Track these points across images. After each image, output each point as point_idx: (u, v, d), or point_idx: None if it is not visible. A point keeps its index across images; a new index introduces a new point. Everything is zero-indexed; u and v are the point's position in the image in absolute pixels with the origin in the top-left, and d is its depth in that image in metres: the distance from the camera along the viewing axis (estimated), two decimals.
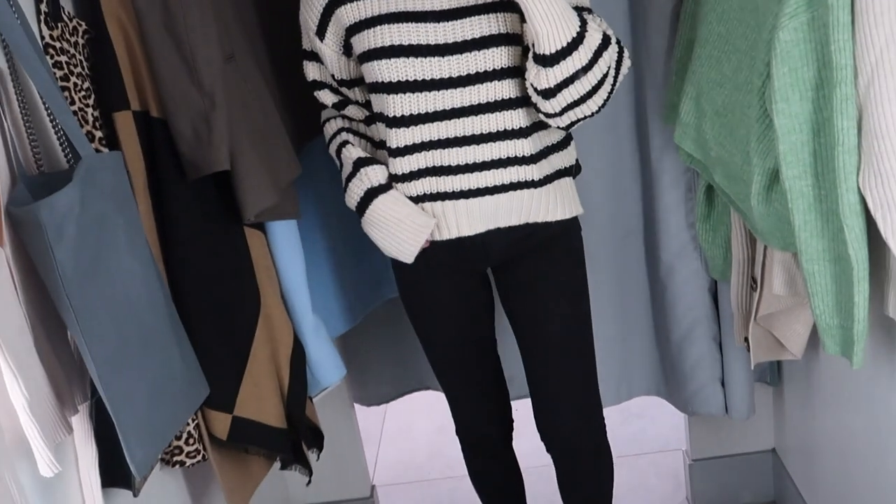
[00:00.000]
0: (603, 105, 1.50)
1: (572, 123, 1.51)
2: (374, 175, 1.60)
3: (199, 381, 1.42)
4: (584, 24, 1.42)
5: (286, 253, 1.69)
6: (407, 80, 1.52)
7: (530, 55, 1.45)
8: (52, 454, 1.08)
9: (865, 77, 1.19)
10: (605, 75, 1.46)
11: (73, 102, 1.35)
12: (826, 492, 1.94)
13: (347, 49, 1.60)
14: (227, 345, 1.57)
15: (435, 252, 1.64)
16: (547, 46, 1.40)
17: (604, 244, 2.07)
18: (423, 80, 1.51)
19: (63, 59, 1.35)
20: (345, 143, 1.65)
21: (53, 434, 1.09)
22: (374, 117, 1.66)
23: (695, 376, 2.11)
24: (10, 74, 1.19)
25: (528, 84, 1.48)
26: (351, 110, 1.70)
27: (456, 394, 1.88)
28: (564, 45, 1.40)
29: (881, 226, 1.21)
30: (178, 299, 1.47)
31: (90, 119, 1.39)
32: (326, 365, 1.78)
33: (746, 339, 1.82)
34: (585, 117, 1.50)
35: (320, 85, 1.68)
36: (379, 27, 1.52)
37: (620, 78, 1.51)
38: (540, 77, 1.44)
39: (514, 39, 1.51)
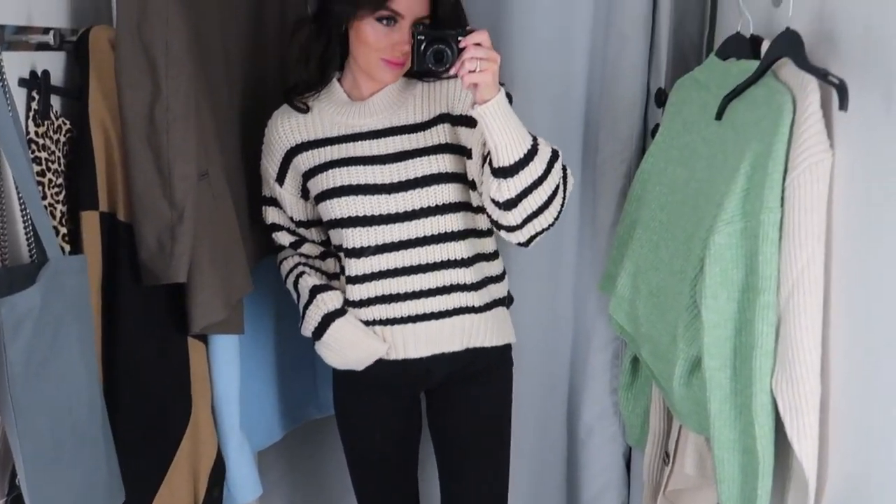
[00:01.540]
0: (557, 217, 1.61)
1: (531, 238, 1.61)
2: (329, 301, 1.71)
3: (117, 488, 1.41)
4: (535, 138, 1.55)
5: (224, 367, 1.71)
6: (358, 216, 1.66)
7: (487, 172, 1.56)
8: None
9: (787, 289, 1.30)
10: (557, 186, 1.58)
11: (44, 197, 1.39)
12: None
13: (305, 193, 1.75)
14: (151, 451, 1.57)
15: (379, 371, 1.73)
16: (506, 158, 1.51)
17: (529, 395, 2.14)
18: (373, 216, 1.65)
19: (43, 155, 1.40)
20: (301, 273, 1.76)
21: None
22: (328, 253, 1.79)
23: None
24: None
25: (487, 202, 1.59)
26: (306, 248, 1.83)
27: None
28: (521, 156, 1.52)
29: (788, 428, 1.30)
30: (112, 400, 1.47)
31: (58, 215, 1.43)
32: (244, 483, 1.78)
33: None
34: (543, 230, 1.60)
35: (278, 227, 1.82)
36: (332, 170, 1.68)
37: (568, 193, 1.62)
38: (501, 189, 1.54)
39: (453, 178, 1.66)
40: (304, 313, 1.74)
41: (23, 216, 1.28)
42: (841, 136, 1.27)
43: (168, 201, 1.48)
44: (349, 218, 1.66)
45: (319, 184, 1.70)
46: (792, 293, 1.29)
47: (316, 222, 1.80)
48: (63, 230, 1.44)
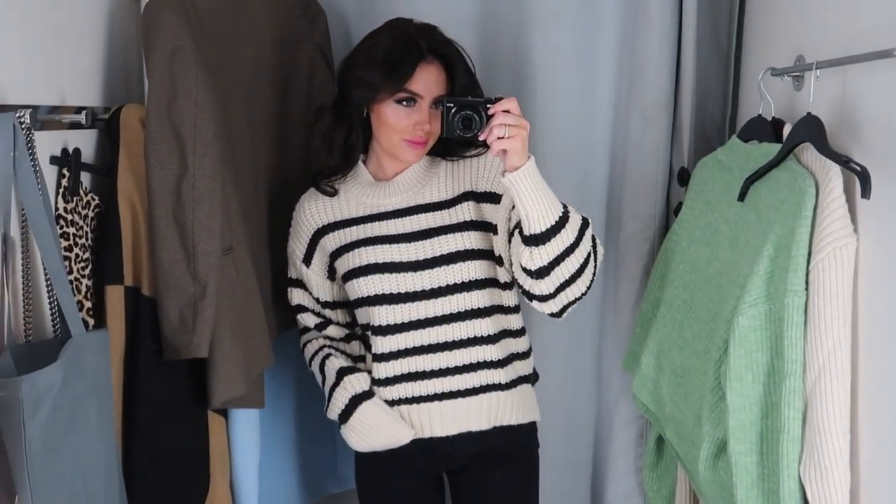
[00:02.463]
0: (589, 286, 1.58)
1: (564, 308, 1.59)
2: (357, 383, 1.70)
3: None
4: (565, 205, 1.54)
5: (243, 441, 1.70)
6: (385, 294, 1.66)
7: (517, 241, 1.54)
8: None
9: (813, 374, 1.28)
10: (589, 255, 1.56)
11: (70, 272, 1.41)
12: None
13: (332, 273, 1.76)
14: None
15: (402, 448, 1.71)
16: (537, 225, 1.50)
17: (552, 473, 2.10)
18: (400, 293, 1.65)
19: (71, 230, 1.42)
20: (328, 356, 1.76)
21: None
22: (352, 335, 1.80)
23: None
24: (21, 244, 1.26)
25: (518, 272, 1.57)
26: (331, 330, 1.82)
27: None
28: (553, 223, 1.50)
29: None
30: (130, 474, 1.47)
31: (83, 289, 1.45)
32: None
33: None
34: (576, 299, 1.58)
35: (303, 309, 1.82)
36: (358, 249, 1.69)
37: (599, 263, 1.60)
38: (533, 257, 1.52)
39: (478, 255, 1.65)
40: (330, 395, 1.73)
41: (48, 291, 1.29)
42: (865, 221, 1.27)
43: (191, 276, 1.49)
44: (376, 296, 1.67)
45: (346, 263, 1.70)
46: (819, 378, 1.27)
47: (342, 303, 1.81)
48: (88, 304, 1.45)
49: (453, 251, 1.65)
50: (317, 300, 1.80)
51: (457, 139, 1.54)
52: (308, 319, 1.82)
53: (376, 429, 1.68)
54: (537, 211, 1.49)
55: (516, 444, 1.75)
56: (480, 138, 1.51)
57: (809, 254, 1.30)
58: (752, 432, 1.38)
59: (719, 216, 1.64)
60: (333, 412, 1.72)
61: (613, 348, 2.05)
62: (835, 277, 1.26)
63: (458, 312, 1.65)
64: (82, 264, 1.45)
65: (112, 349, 1.47)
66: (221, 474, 1.67)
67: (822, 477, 1.26)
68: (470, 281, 1.65)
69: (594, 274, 1.59)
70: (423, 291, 1.65)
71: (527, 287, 1.58)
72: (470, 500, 1.79)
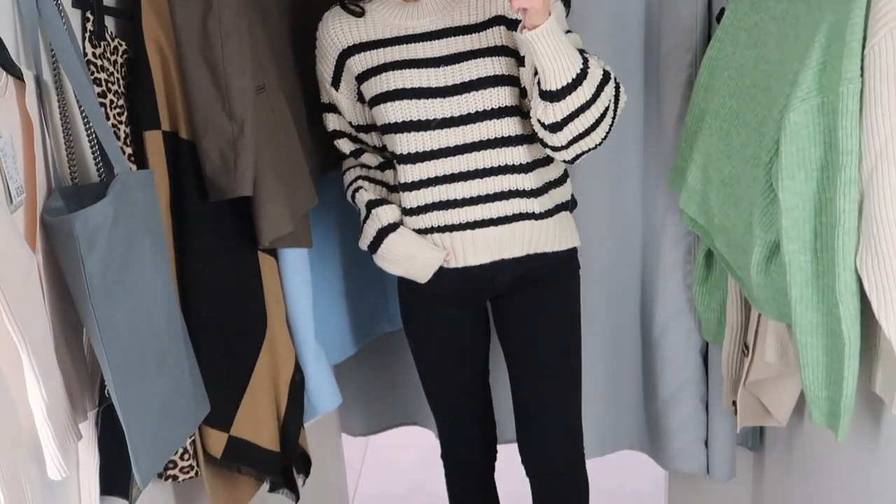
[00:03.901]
0: (605, 137, 1.59)
1: (577, 156, 1.60)
2: (384, 215, 1.71)
3: (202, 399, 1.45)
4: (585, 61, 1.52)
5: (295, 280, 1.73)
6: (412, 120, 1.64)
7: (535, 92, 1.54)
8: (62, 458, 1.11)
9: (869, 163, 1.25)
10: (607, 108, 1.56)
11: (107, 118, 1.40)
12: None
13: (360, 96, 1.73)
14: (231, 365, 1.60)
15: (442, 280, 1.73)
16: (553, 83, 1.49)
17: (601, 298, 2.12)
18: (428, 120, 1.63)
19: (102, 76, 1.40)
20: (358, 188, 1.77)
21: (65, 438, 1.12)
22: (387, 163, 1.78)
23: (680, 435, 2.15)
24: (56, 88, 1.24)
25: (534, 120, 1.57)
26: (367, 157, 1.81)
27: (446, 416, 1.97)
28: (569, 80, 1.50)
29: (875, 306, 1.26)
30: (189, 316, 1.50)
31: (121, 136, 1.44)
32: (324, 393, 1.81)
33: (734, 403, 1.87)
34: (589, 150, 1.59)
35: (339, 134, 1.81)
36: (385, 74, 1.65)
37: (619, 112, 1.60)
38: (547, 112, 1.53)
39: (509, 81, 1.62)
40: (362, 227, 1.75)
41: (87, 134, 1.28)
42: None
43: (227, 115, 1.48)
44: (403, 122, 1.64)
45: (373, 87, 1.67)
46: (875, 166, 1.24)
47: (374, 126, 1.78)
48: (128, 150, 1.45)
49: (483, 76, 1.62)
50: (350, 124, 1.79)
51: None
52: (344, 145, 1.82)
53: (407, 258, 1.70)
54: (553, 69, 1.48)
55: (554, 268, 1.77)
56: None
57: (865, 39, 1.24)
58: (806, 230, 1.36)
59: (766, 15, 1.56)
60: (364, 243, 1.75)
61: (657, 168, 2.02)
62: (892, 60, 1.21)
63: (488, 140, 1.64)
64: (118, 110, 1.44)
65: (158, 194, 1.47)
66: (278, 315, 1.70)
67: (880, 265, 1.25)
68: (500, 108, 1.62)
69: (611, 125, 1.58)
70: (451, 118, 1.63)
71: (541, 136, 1.58)
72: (511, 322, 1.82)
